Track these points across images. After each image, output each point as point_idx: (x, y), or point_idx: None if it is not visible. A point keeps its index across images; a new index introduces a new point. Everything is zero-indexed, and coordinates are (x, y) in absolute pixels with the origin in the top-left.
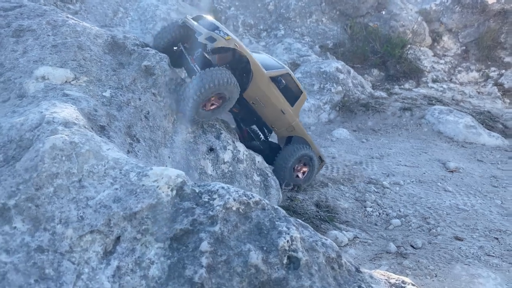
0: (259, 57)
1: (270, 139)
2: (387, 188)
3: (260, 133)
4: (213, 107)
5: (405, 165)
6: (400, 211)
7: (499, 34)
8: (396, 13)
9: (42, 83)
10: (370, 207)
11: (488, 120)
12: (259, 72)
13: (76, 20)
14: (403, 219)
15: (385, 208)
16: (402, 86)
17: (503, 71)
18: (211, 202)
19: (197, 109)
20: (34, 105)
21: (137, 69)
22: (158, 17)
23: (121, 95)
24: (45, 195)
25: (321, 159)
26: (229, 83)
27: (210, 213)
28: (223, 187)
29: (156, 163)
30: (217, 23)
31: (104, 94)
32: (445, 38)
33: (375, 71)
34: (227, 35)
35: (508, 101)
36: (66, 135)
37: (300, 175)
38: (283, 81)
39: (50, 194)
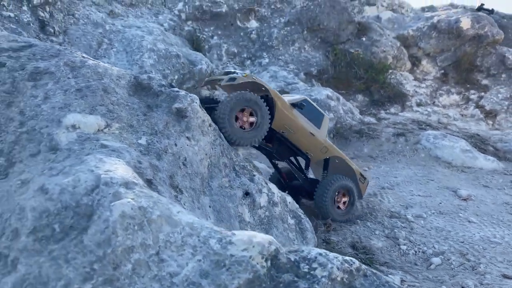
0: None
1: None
2: (412, 222)
3: (296, 172)
4: (250, 125)
5: (419, 195)
6: (434, 247)
7: (475, 58)
8: (376, 39)
9: (74, 132)
10: (404, 244)
11: (479, 143)
12: (280, 99)
13: (94, 61)
14: (441, 256)
15: (419, 245)
16: (388, 111)
17: (483, 93)
18: (312, 273)
19: (233, 123)
20: (74, 159)
21: (167, 112)
22: (144, 47)
23: (157, 141)
24: (124, 275)
25: (363, 177)
26: (251, 96)
27: (316, 286)
28: (320, 254)
29: (201, 215)
30: (236, 70)
31: (139, 141)
32: (423, 62)
33: (360, 97)
34: (245, 73)
35: (491, 122)
36: (131, 199)
37: (341, 206)
38: (304, 104)
39: (129, 272)
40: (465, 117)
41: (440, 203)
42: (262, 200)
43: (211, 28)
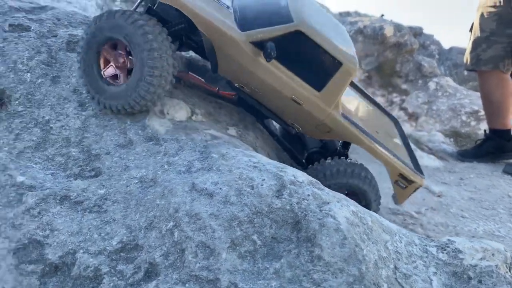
0: None
1: None
2: (417, 218)
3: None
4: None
5: None
6: None
7: (394, 64)
8: None
9: (166, 119)
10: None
11: (416, 143)
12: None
13: None
14: None
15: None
16: None
17: (404, 97)
18: None
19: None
20: (195, 153)
21: None
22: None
23: (246, 134)
24: None
25: (405, 178)
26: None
27: None
28: None
29: None
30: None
31: (229, 132)
32: None
33: None
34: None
35: (414, 124)
36: (337, 202)
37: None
38: (285, 46)
39: None
40: None
41: (424, 199)
42: None
43: None
